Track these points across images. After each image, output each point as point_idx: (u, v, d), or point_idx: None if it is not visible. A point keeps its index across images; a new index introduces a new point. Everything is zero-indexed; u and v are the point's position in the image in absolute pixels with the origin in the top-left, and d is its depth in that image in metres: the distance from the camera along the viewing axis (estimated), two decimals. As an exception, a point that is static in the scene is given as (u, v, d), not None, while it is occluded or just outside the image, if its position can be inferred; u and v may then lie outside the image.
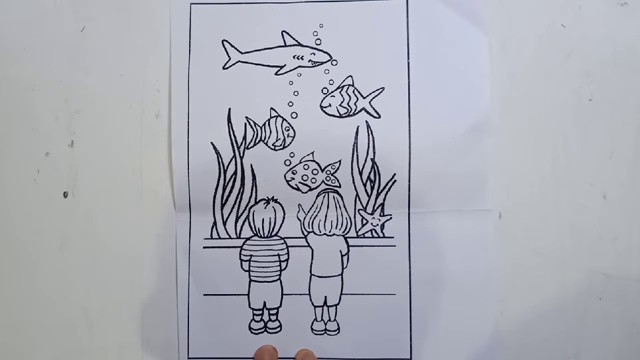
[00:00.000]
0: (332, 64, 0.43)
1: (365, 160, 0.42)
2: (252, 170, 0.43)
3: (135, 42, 0.44)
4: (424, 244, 0.42)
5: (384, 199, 0.42)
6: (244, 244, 0.43)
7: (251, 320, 0.42)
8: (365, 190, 0.43)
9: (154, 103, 0.44)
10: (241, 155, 0.43)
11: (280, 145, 0.43)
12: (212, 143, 0.43)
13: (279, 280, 0.43)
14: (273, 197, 0.43)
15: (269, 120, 0.43)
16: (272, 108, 0.43)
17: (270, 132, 0.43)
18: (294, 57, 0.43)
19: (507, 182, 0.42)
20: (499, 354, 0.42)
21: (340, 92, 0.43)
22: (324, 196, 0.43)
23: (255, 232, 0.43)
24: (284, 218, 0.43)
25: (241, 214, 0.43)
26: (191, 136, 0.43)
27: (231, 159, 0.43)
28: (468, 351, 0.42)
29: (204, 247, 0.43)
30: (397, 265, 0.42)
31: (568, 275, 0.42)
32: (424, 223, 0.42)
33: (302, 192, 0.43)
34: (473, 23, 0.43)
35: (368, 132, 0.42)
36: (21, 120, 0.44)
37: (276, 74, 0.43)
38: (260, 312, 0.43)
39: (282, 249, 0.43)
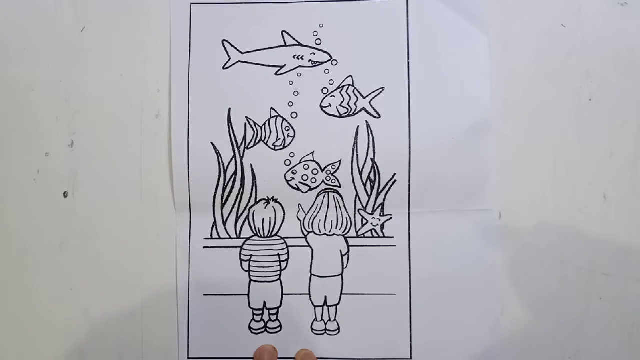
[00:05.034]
0: (332, 64, 0.43)
1: (365, 160, 0.42)
2: (252, 170, 0.43)
3: (135, 42, 0.44)
4: (424, 244, 0.42)
5: (384, 199, 0.42)
6: (244, 244, 0.43)
7: (251, 320, 0.42)
8: (365, 190, 0.43)
9: (154, 103, 0.44)
10: (241, 155, 0.43)
11: (280, 145, 0.43)
12: (212, 143, 0.43)
13: (279, 280, 0.43)
14: (273, 197, 0.43)
15: (269, 120, 0.43)
16: (272, 108, 0.43)
17: (270, 132, 0.43)
18: (294, 57, 0.43)
19: (507, 182, 0.42)
20: (499, 354, 0.42)
21: (340, 92, 0.43)
22: (324, 196, 0.43)
23: (255, 232, 0.43)
24: (284, 218, 0.43)
25: (241, 214, 0.43)
26: (191, 136, 0.43)
27: (231, 159, 0.43)
28: (468, 351, 0.42)
29: (204, 247, 0.43)
30: (397, 265, 0.42)
31: (568, 275, 0.42)
32: (424, 223, 0.42)
33: (302, 192, 0.43)
34: (473, 23, 0.43)
35: (368, 132, 0.42)
36: (21, 120, 0.44)
37: (276, 74, 0.43)
38: (260, 312, 0.43)
39: (282, 249, 0.43)
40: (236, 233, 0.43)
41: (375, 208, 0.43)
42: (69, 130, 0.44)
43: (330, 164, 0.42)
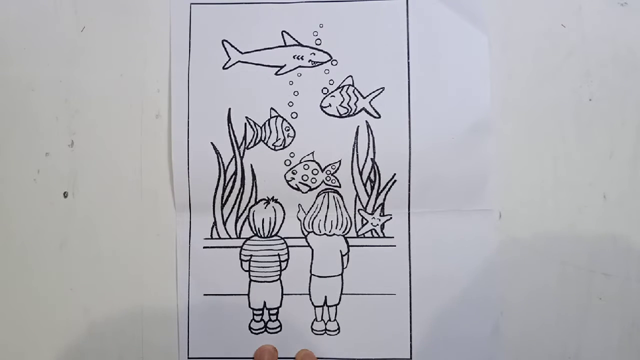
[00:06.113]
0: (332, 64, 0.43)
1: (365, 160, 0.42)
2: (252, 170, 0.43)
3: (135, 42, 0.44)
4: (424, 244, 0.42)
5: (384, 199, 0.42)
6: (244, 244, 0.43)
7: (251, 320, 0.42)
8: (365, 190, 0.43)
9: (154, 103, 0.44)
10: (241, 155, 0.43)
11: (280, 145, 0.43)
12: (212, 143, 0.43)
13: (279, 280, 0.43)
14: (273, 197, 0.43)
15: (269, 120, 0.43)
16: (272, 108, 0.43)
17: (270, 132, 0.43)
18: (294, 57, 0.43)
19: (507, 182, 0.42)
20: (499, 354, 0.42)
21: (340, 92, 0.43)
22: (324, 196, 0.43)
23: (255, 232, 0.43)
24: (284, 218, 0.43)
25: (241, 214, 0.43)
26: (191, 136, 0.43)
27: (231, 159, 0.43)
28: (468, 351, 0.42)
29: (204, 247, 0.43)
30: (397, 265, 0.42)
31: (568, 275, 0.42)
32: (424, 223, 0.42)
33: (302, 192, 0.43)
34: (473, 23, 0.43)
35: (368, 132, 0.42)
36: (21, 120, 0.44)
37: (276, 74, 0.43)
38: (260, 312, 0.43)
39: (282, 249, 0.43)
40: (236, 233, 0.43)
41: (375, 208, 0.43)
42: (69, 130, 0.44)
43: (330, 164, 0.42)
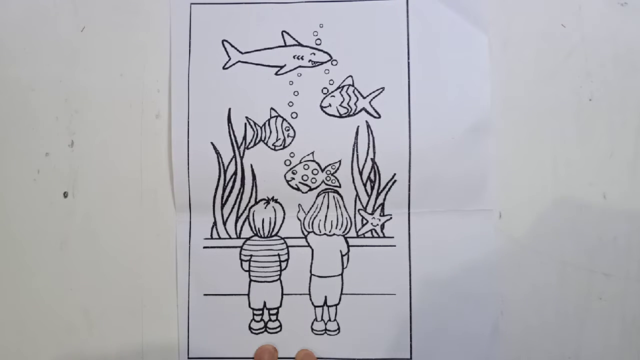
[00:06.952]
0: (332, 64, 0.43)
1: (365, 160, 0.42)
2: (252, 170, 0.43)
3: (135, 42, 0.44)
4: (424, 244, 0.42)
5: (384, 199, 0.42)
6: (244, 244, 0.43)
7: (251, 320, 0.42)
8: (365, 190, 0.43)
9: (154, 103, 0.44)
10: (241, 155, 0.43)
11: (280, 145, 0.43)
12: (212, 143, 0.43)
13: (279, 280, 0.43)
14: (273, 197, 0.43)
15: (269, 120, 0.43)
16: (272, 108, 0.43)
17: (270, 132, 0.43)
18: (294, 57, 0.43)
19: (507, 182, 0.42)
20: (499, 354, 0.42)
21: (340, 92, 0.43)
22: (324, 196, 0.43)
23: (255, 232, 0.43)
24: (284, 218, 0.43)
25: (241, 214, 0.43)
26: (191, 136, 0.43)
27: (231, 159, 0.43)
28: (468, 351, 0.42)
29: (204, 247, 0.43)
30: (397, 265, 0.42)
31: (568, 275, 0.42)
32: (424, 223, 0.42)
33: (302, 192, 0.43)
34: (473, 23, 0.43)
35: (368, 132, 0.42)
36: (21, 120, 0.44)
37: (276, 74, 0.43)
38: (261, 312, 0.43)
39: (282, 249, 0.43)
40: (236, 233, 0.43)
41: (375, 208, 0.43)
42: (69, 130, 0.44)
43: (330, 164, 0.42)
